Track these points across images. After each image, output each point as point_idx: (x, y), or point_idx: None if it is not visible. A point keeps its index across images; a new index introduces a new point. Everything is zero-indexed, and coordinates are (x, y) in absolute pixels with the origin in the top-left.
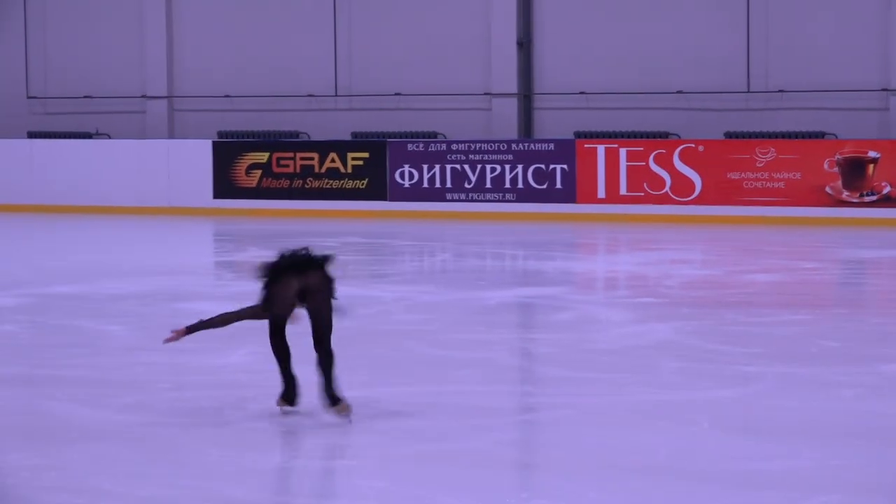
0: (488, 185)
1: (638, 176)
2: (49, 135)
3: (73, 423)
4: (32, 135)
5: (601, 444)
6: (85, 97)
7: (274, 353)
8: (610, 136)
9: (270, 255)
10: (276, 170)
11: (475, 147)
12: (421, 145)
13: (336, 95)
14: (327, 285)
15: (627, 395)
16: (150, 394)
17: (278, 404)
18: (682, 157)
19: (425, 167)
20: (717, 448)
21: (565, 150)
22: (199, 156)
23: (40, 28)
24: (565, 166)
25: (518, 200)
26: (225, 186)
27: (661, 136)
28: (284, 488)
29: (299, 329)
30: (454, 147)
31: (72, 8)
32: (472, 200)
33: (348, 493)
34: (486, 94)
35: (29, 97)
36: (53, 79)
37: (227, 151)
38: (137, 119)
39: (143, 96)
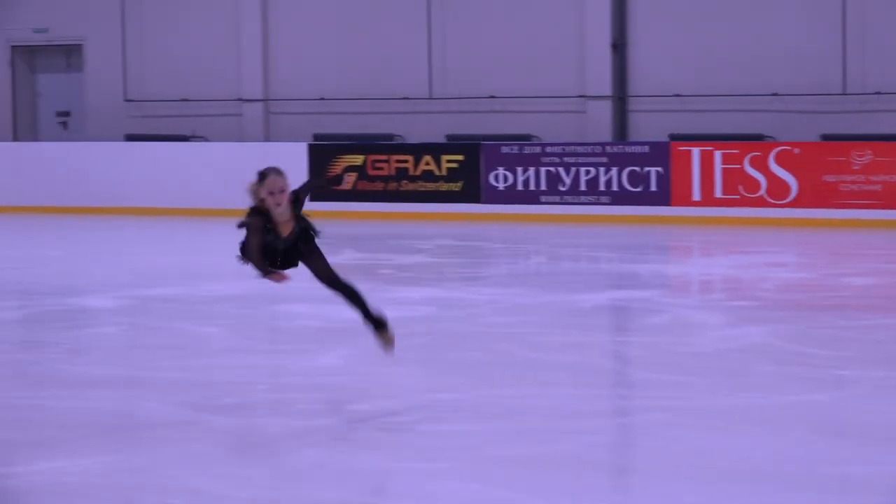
0: (582, 187)
1: (733, 178)
2: (146, 137)
3: (170, 425)
4: (129, 137)
5: (695, 447)
6: (182, 100)
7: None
8: (705, 139)
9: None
10: (371, 172)
11: (569, 150)
12: (515, 148)
13: (430, 98)
14: None
15: (721, 399)
16: (247, 395)
17: (388, 343)
18: (778, 160)
19: (519, 169)
20: (811, 452)
21: (660, 152)
22: (294, 158)
23: (138, 32)
24: (660, 169)
25: (612, 203)
26: (320, 189)
27: (756, 139)
28: (378, 490)
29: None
30: (548, 150)
31: (169, 12)
32: (567, 203)
33: (441, 495)
34: (580, 96)
35: (126, 100)
36: (150, 82)
37: (322, 154)
38: (234, 122)
39: (239, 99)
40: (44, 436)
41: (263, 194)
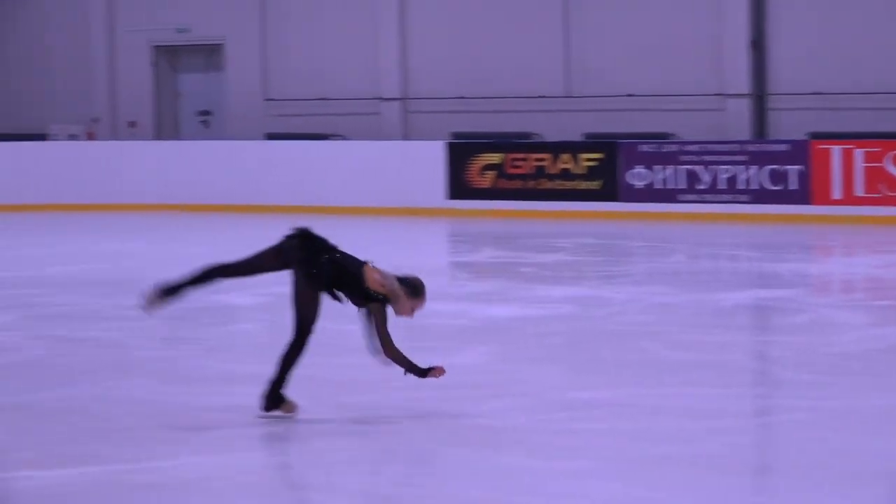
0: (721, 186)
1: (874, 177)
2: (286, 136)
3: (308, 421)
4: (270, 136)
5: (838, 448)
6: (321, 99)
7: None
8: (845, 137)
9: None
10: (509, 171)
11: (708, 148)
12: (653, 146)
13: (568, 97)
14: None
15: (865, 399)
16: (384, 393)
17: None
18: None
19: (658, 168)
20: None
21: (800, 150)
22: (433, 157)
23: (277, 31)
24: (800, 167)
25: (751, 202)
26: (459, 187)
27: None
28: (519, 488)
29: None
30: (687, 148)
31: (308, 11)
32: (705, 202)
33: (582, 494)
34: (718, 94)
35: (266, 99)
36: (290, 81)
37: (460, 152)
38: (372, 120)
39: (377, 98)
40: (187, 432)
41: (406, 309)
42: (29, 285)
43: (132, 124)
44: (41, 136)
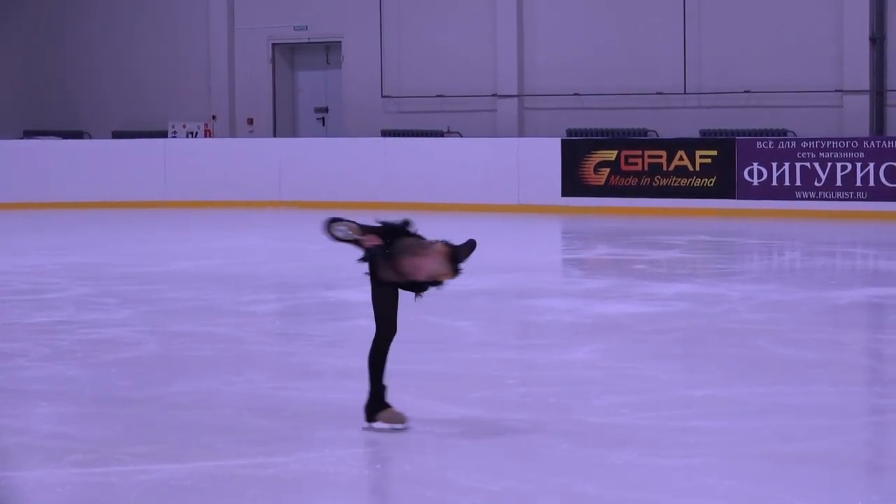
0: (839, 183)
1: None
2: (401, 133)
3: (423, 417)
4: (385, 133)
5: None
6: (437, 96)
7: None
8: None
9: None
10: (624, 168)
11: (825, 145)
12: (770, 143)
13: (685, 93)
14: None
15: None
16: (499, 389)
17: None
18: None
19: (774, 165)
20: None
21: None
22: (548, 154)
23: (395, 28)
24: None
25: (869, 199)
26: (573, 184)
27: None
28: (632, 484)
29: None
30: (804, 145)
31: (425, 8)
32: (822, 199)
33: (696, 490)
34: (837, 91)
35: (383, 96)
36: (407, 78)
37: (575, 149)
38: (488, 117)
39: (493, 95)
40: (300, 427)
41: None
42: (148, 281)
43: (250, 121)
44: (161, 134)
